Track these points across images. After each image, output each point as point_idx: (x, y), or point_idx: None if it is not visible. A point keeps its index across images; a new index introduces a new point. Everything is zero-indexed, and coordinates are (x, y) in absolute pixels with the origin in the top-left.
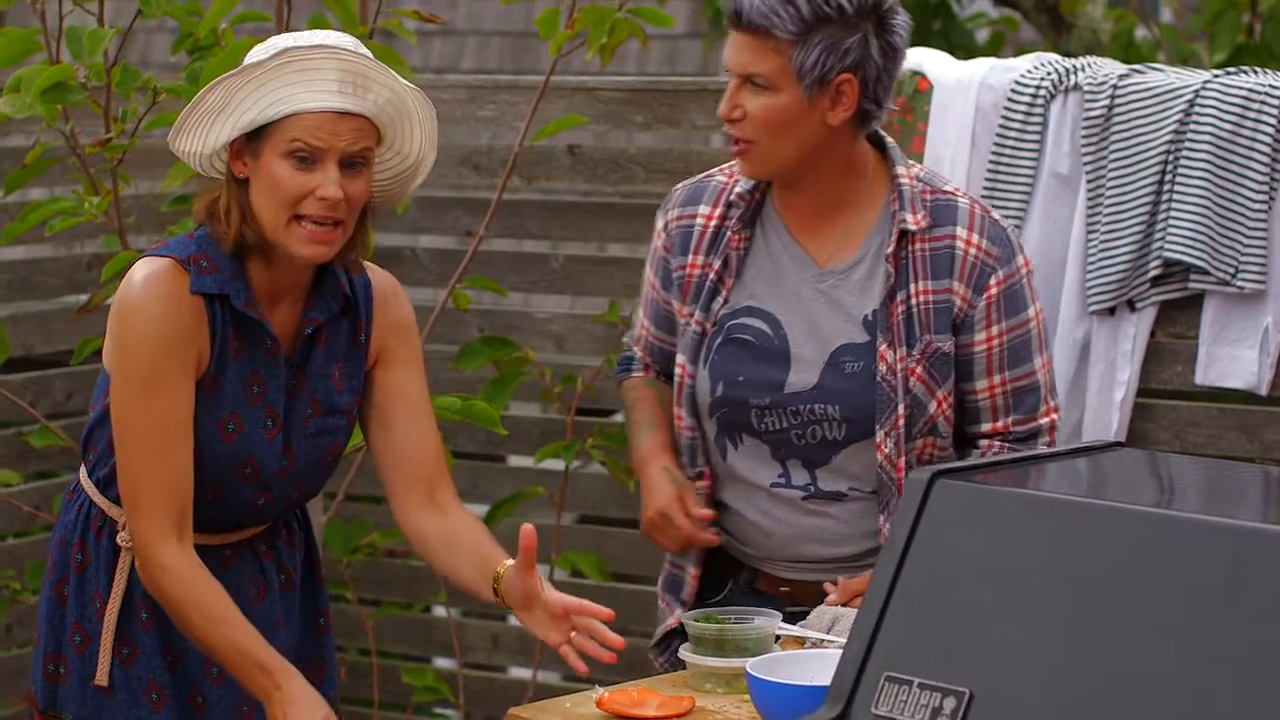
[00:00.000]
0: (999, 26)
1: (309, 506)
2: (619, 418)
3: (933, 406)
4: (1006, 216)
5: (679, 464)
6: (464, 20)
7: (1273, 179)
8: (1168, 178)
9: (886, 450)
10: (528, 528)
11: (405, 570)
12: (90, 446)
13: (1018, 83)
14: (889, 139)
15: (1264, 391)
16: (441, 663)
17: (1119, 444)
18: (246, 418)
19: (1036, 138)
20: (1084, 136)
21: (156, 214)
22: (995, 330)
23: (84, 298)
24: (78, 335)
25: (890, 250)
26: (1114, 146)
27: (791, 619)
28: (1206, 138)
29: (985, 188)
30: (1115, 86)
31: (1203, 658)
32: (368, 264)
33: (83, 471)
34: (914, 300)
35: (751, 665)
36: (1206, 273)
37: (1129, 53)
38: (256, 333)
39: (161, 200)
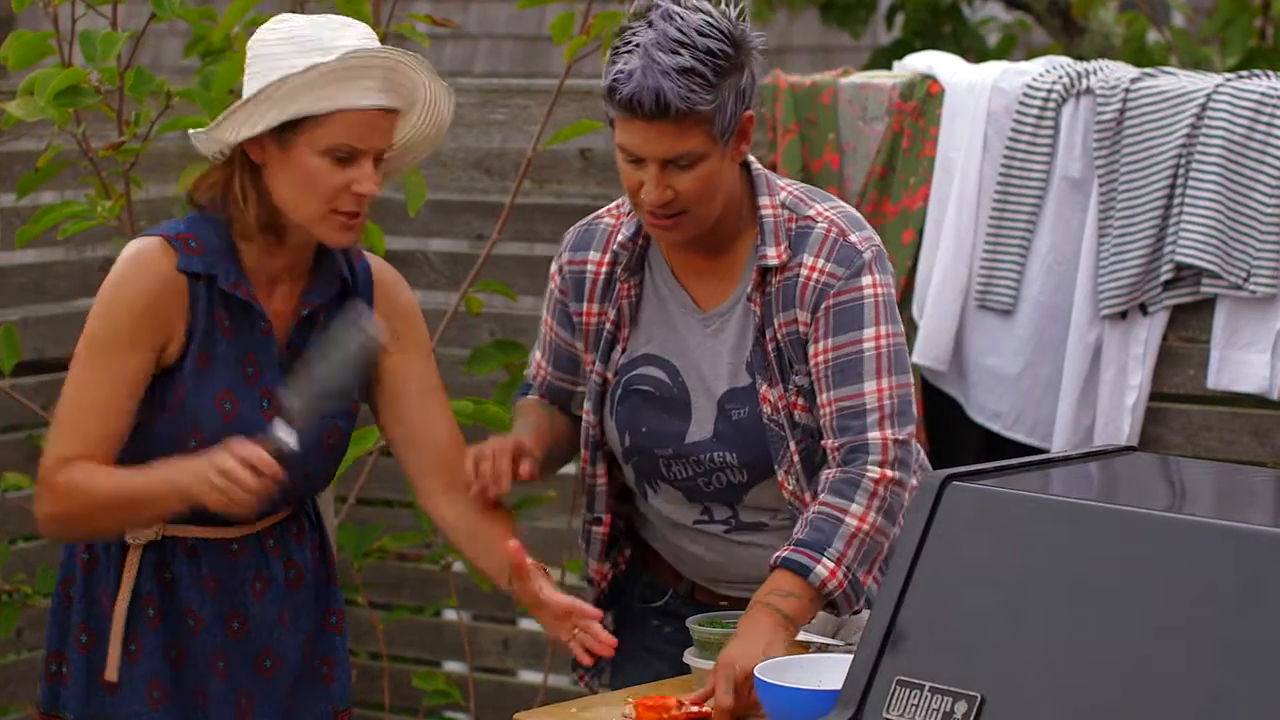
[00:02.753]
0: (1010, 30)
1: (322, 508)
2: None
3: None
4: (1018, 220)
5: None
6: (476, 24)
7: None
8: (1180, 181)
9: (790, 487)
10: (513, 544)
11: (416, 574)
12: None
13: (1029, 86)
14: (757, 166)
15: (1276, 396)
16: (452, 666)
17: (1131, 448)
18: (242, 397)
19: (1048, 142)
20: (1096, 140)
21: (168, 217)
22: (822, 346)
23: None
24: None
25: (750, 289)
26: (1126, 150)
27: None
28: (1219, 142)
29: (997, 192)
30: (1127, 90)
31: (1215, 662)
32: (368, 253)
33: None
34: (779, 334)
35: (760, 670)
36: (1219, 276)
37: (1141, 56)
38: (247, 314)
39: (174, 204)
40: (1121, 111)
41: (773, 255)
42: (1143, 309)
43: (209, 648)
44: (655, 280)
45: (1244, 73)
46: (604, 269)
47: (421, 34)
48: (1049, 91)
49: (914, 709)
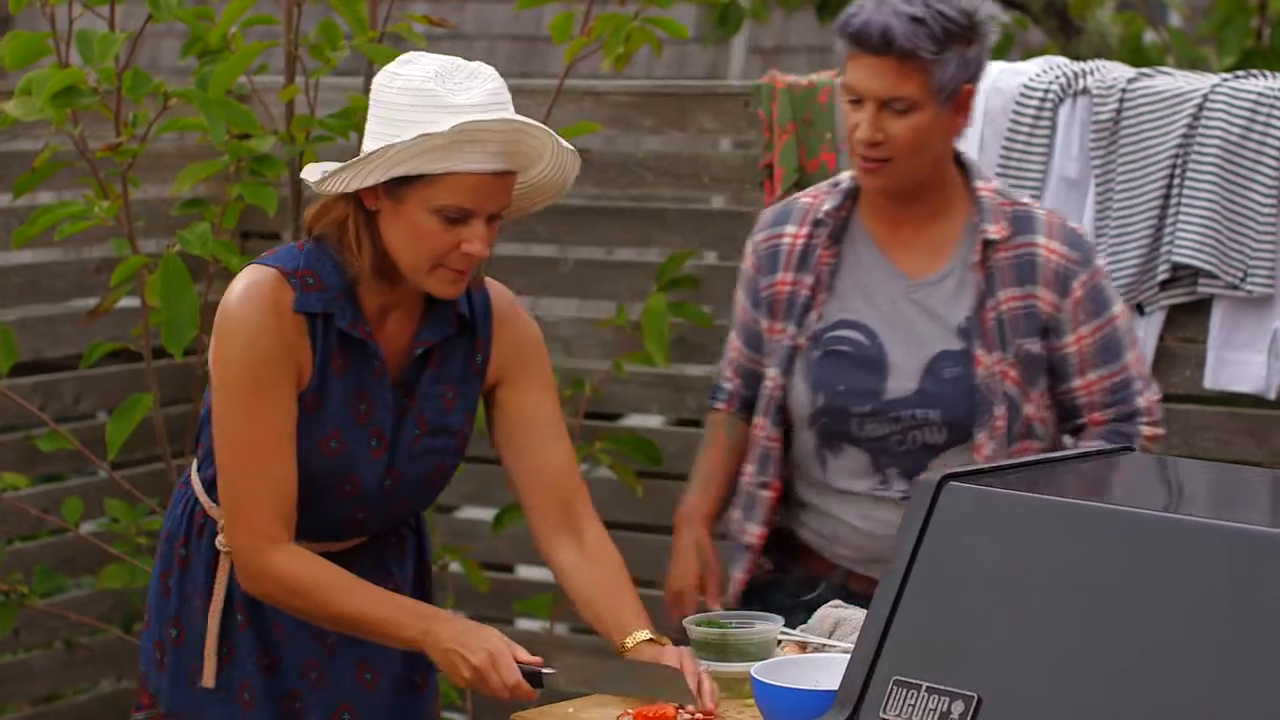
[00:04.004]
0: (1007, 29)
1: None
2: (627, 421)
3: (1028, 408)
4: None
5: (710, 533)
6: (472, 24)
7: None
8: (1176, 181)
9: (987, 453)
10: (709, 686)
11: None
12: (198, 443)
13: (1026, 86)
14: (969, 156)
15: (1273, 396)
16: None
17: (1128, 448)
18: (350, 437)
19: (1045, 141)
20: (1093, 140)
21: (166, 218)
22: (1085, 330)
23: (93, 302)
24: (86, 339)
25: (976, 259)
26: (1123, 150)
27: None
28: (1215, 141)
29: None
30: (1124, 90)
31: (1211, 662)
32: (489, 280)
33: (193, 466)
34: (1002, 306)
35: (757, 670)
36: (1215, 277)
37: (1137, 56)
38: (362, 352)
39: (171, 204)
40: (1118, 111)
41: (994, 231)
42: (1139, 309)
43: (302, 658)
44: (857, 250)
45: (1241, 73)
46: (800, 240)
47: (418, 34)
48: (1046, 91)
49: (911, 709)
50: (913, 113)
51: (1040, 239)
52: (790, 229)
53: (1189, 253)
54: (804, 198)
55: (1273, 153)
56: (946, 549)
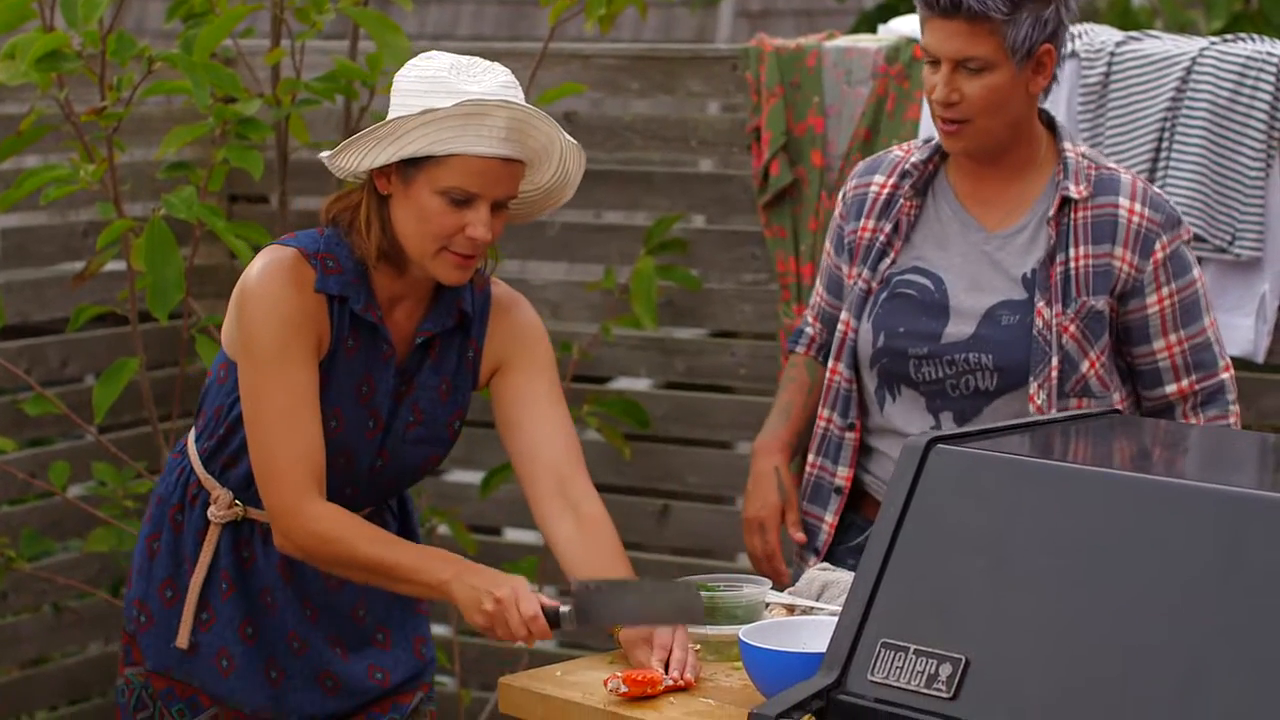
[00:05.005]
0: None
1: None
2: (614, 384)
3: (1085, 365)
4: None
5: (790, 465)
6: None
7: (1270, 146)
8: (1165, 145)
9: (1039, 402)
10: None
11: None
12: (200, 412)
13: None
14: (1057, 118)
15: (1261, 359)
16: (438, 630)
17: (1115, 411)
18: (350, 416)
19: None
20: (1081, 103)
21: (151, 181)
22: (1166, 291)
23: (79, 265)
24: (73, 303)
25: (1052, 214)
26: (1111, 113)
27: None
28: (1203, 105)
29: None
30: (1112, 53)
31: (1198, 623)
32: (495, 280)
33: (190, 435)
34: (1073, 263)
35: (745, 633)
36: (1203, 240)
37: (1125, 19)
38: (373, 336)
39: (156, 167)
40: (1107, 75)
41: (1075, 190)
42: None
43: (285, 627)
44: (939, 203)
45: (1229, 36)
46: (886, 189)
47: None
48: None
49: (899, 671)
50: (987, 73)
51: (1123, 200)
52: (879, 178)
53: None
54: (897, 150)
55: (1261, 116)
56: (934, 512)
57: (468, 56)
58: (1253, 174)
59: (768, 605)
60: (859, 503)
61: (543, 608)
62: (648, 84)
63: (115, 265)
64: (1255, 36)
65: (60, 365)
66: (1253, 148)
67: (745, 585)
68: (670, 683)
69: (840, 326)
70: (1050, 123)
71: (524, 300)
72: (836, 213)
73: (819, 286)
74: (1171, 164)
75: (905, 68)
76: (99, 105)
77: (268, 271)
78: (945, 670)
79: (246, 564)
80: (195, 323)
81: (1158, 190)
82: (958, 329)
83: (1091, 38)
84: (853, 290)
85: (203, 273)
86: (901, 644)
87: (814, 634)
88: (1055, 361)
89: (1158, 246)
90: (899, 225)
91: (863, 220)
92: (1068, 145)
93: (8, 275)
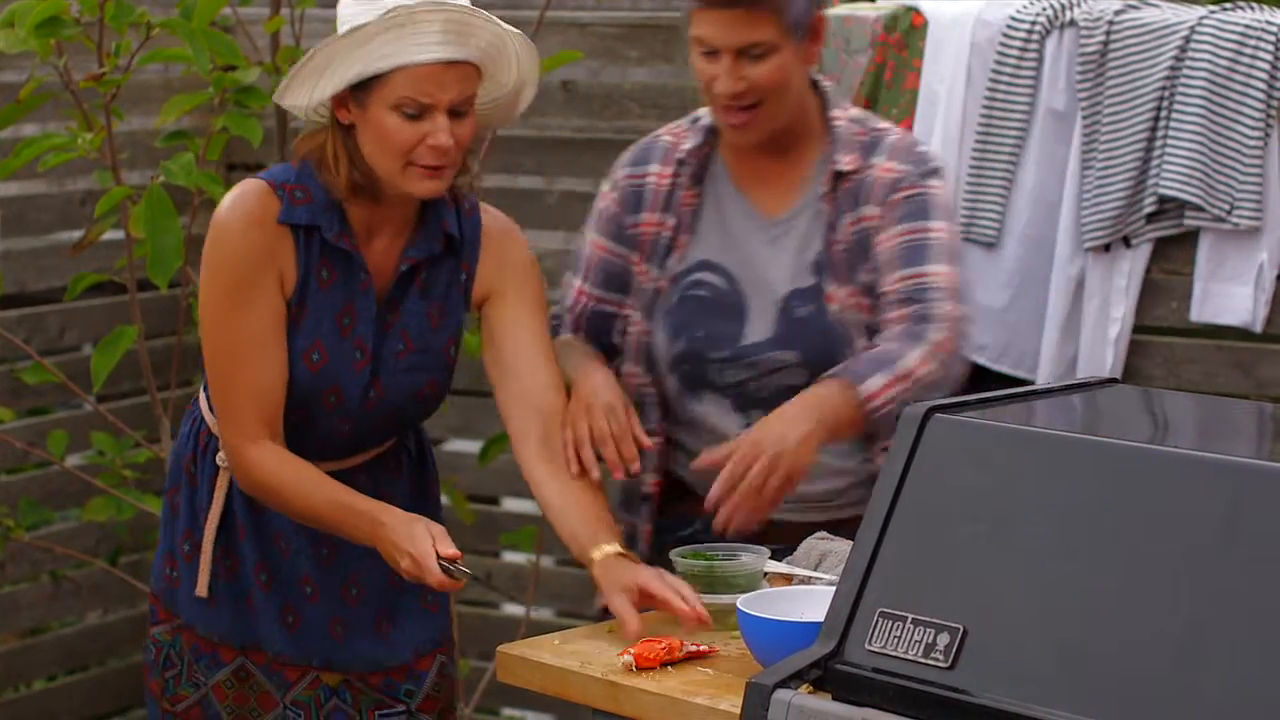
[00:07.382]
0: None
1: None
2: None
3: None
4: (1001, 153)
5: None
6: None
7: (1268, 115)
8: (1163, 114)
9: None
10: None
11: None
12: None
13: (1013, 18)
14: (825, 83)
15: (1259, 328)
16: None
17: (1114, 380)
18: (332, 348)
19: (1032, 74)
20: (1079, 72)
21: (150, 149)
22: (892, 231)
23: (77, 234)
24: (71, 271)
25: (825, 191)
26: (1110, 83)
27: (776, 557)
28: (1202, 74)
29: (980, 124)
30: (1111, 22)
31: (1197, 593)
32: (485, 206)
33: (201, 390)
34: (848, 233)
35: (743, 602)
36: (1202, 209)
37: None
38: (348, 265)
39: (155, 136)
40: (1105, 44)
41: (846, 162)
42: (1126, 242)
43: (299, 571)
44: (717, 190)
45: (1228, 5)
46: (666, 180)
47: None
48: (1033, 24)
49: (897, 640)
50: (771, 55)
51: (879, 159)
52: (655, 168)
53: (1176, 185)
54: (665, 136)
55: (1259, 85)
56: (932, 481)
57: None
58: (1251, 143)
59: (766, 574)
60: (681, 496)
61: (443, 561)
62: (646, 52)
63: (114, 234)
64: (1254, 5)
65: (58, 334)
66: (1251, 117)
67: (744, 554)
68: (693, 648)
69: (634, 328)
70: (816, 87)
71: (516, 230)
72: (608, 203)
73: (578, 284)
74: (1170, 133)
75: (904, 36)
76: (97, 73)
77: (231, 206)
78: (943, 640)
79: (260, 509)
80: (193, 291)
81: (926, 149)
82: (757, 328)
83: (1090, 6)
84: (644, 290)
85: (201, 241)
86: (899, 613)
87: (812, 603)
88: (862, 343)
89: (899, 192)
90: (681, 219)
91: (645, 213)
92: (837, 113)
93: (6, 244)
